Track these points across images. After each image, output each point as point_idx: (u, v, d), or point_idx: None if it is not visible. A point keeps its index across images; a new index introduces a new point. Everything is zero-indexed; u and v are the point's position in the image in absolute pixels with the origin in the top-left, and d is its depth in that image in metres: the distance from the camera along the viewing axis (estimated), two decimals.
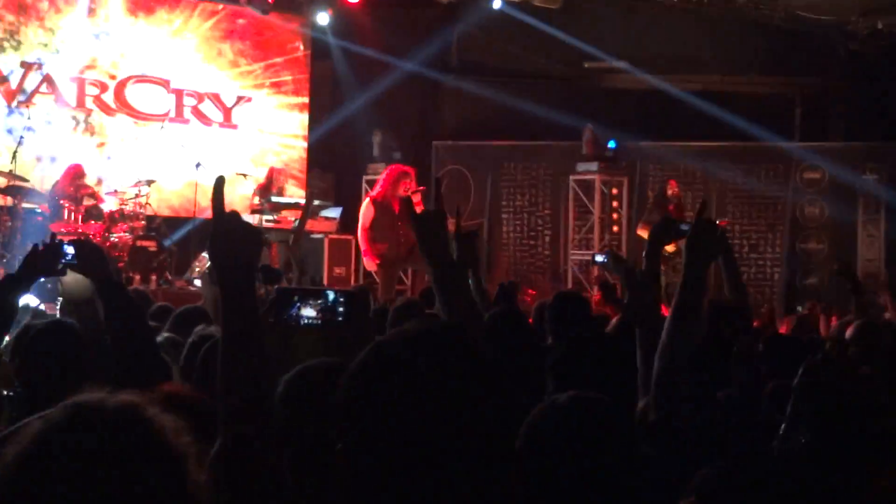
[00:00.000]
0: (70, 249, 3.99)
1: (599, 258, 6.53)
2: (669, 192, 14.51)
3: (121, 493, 1.68)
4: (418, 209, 10.28)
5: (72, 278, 4.03)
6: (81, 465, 1.67)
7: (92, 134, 15.76)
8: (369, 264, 12.45)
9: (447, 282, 3.05)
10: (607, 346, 3.89)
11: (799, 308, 13.19)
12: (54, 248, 4.06)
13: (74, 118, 15.69)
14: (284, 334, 3.21)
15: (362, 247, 12.41)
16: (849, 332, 6.37)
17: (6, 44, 15.35)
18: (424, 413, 1.67)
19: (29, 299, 6.92)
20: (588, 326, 5.79)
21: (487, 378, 1.74)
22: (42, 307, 8.14)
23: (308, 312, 3.43)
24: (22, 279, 4.06)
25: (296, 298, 3.47)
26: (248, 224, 2.49)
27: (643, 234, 14.10)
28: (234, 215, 2.43)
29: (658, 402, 3.39)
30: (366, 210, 12.32)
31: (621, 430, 2.47)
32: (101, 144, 15.79)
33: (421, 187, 12.32)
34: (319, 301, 3.46)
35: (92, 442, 1.69)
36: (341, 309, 3.40)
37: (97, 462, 1.68)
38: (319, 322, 3.36)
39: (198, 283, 12.54)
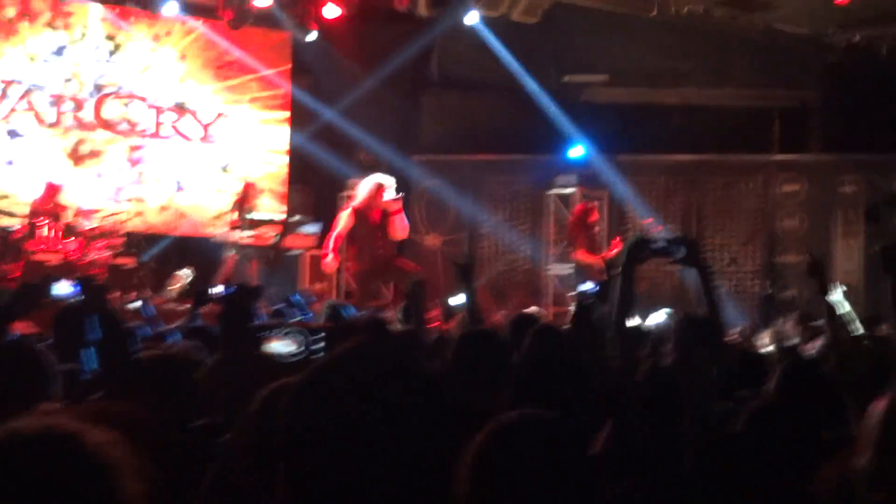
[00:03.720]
0: (63, 288, 4.34)
1: (587, 287, 6.32)
2: (591, 218, 14.30)
3: None
4: (397, 216, 10.29)
5: None
6: (17, 491, 1.64)
7: (72, 151, 15.66)
8: (329, 266, 12.65)
9: None
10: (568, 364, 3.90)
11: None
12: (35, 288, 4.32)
13: (53, 135, 15.61)
14: (263, 371, 3.23)
15: (329, 246, 12.51)
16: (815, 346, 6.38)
17: None
18: (360, 434, 1.68)
19: None
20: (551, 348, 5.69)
21: (428, 399, 1.75)
22: None
23: (285, 348, 3.44)
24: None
25: (270, 333, 3.51)
26: None
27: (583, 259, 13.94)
28: None
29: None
30: (346, 219, 12.49)
31: (572, 449, 2.37)
32: (81, 161, 15.69)
33: (400, 195, 12.57)
34: (298, 336, 3.49)
35: (19, 466, 1.65)
36: (322, 344, 3.46)
37: (30, 486, 1.65)
38: (294, 360, 3.39)
39: None
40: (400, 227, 12.48)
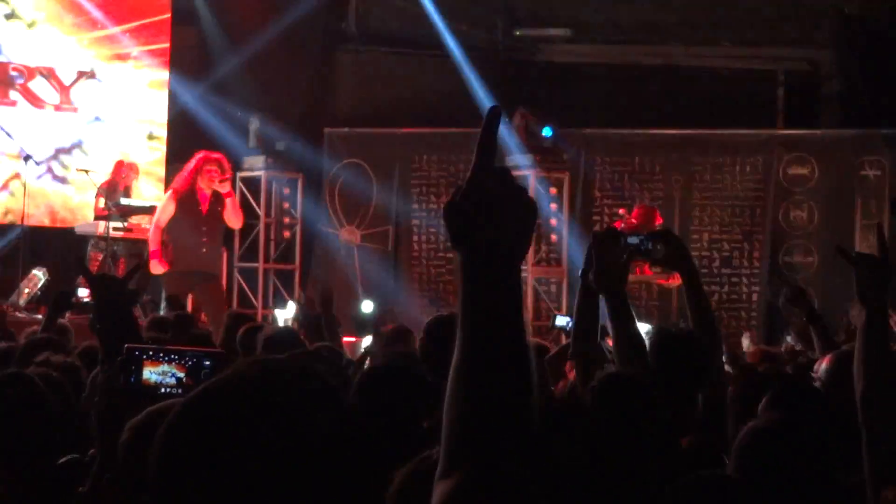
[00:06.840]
0: None
1: (561, 322, 6.27)
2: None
3: None
4: (228, 199, 11.77)
5: None
6: None
7: None
8: (156, 268, 11.93)
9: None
10: None
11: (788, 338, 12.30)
12: None
13: None
14: (136, 403, 2.97)
15: (152, 246, 11.94)
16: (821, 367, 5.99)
17: None
18: (251, 472, 1.56)
19: None
20: None
21: (343, 430, 1.64)
22: None
23: (162, 377, 3.21)
24: None
25: (147, 356, 3.24)
26: None
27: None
28: None
29: None
30: (165, 205, 11.94)
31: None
32: None
33: (227, 175, 11.98)
34: (181, 363, 3.24)
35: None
36: (209, 373, 3.18)
37: None
38: (179, 391, 3.11)
39: None
40: (233, 215, 11.94)
